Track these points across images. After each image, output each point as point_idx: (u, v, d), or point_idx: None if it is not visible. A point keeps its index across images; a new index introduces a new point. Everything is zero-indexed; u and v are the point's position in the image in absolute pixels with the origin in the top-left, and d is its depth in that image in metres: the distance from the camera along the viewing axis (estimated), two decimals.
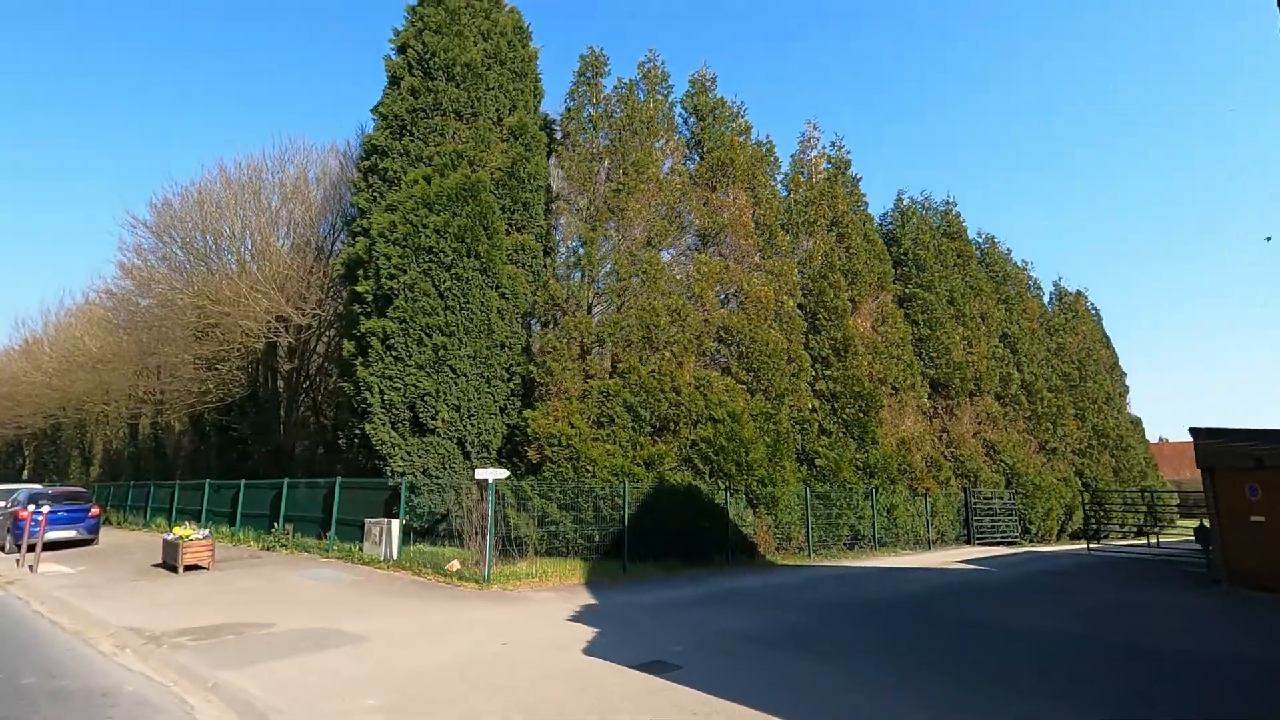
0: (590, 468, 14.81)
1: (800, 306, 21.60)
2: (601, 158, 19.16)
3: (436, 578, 12.64)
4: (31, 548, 14.48)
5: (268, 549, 17.04)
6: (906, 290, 26.60)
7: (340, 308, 23.29)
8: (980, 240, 32.54)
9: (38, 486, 22.69)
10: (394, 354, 15.90)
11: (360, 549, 14.92)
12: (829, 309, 21.76)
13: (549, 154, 19.82)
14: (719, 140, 21.27)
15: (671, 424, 16.16)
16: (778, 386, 18.73)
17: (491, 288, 16.89)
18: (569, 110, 20.17)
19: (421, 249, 16.30)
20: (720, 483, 15.85)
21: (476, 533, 13.21)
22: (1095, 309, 37.83)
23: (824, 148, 26.01)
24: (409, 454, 15.77)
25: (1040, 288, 34.76)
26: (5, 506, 19.50)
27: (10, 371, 50.36)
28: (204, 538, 13.63)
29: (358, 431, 16.27)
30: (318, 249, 24.34)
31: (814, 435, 19.79)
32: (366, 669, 6.66)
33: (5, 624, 9.04)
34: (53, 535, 18.04)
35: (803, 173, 24.92)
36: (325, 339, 25.82)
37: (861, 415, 20.63)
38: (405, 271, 16.17)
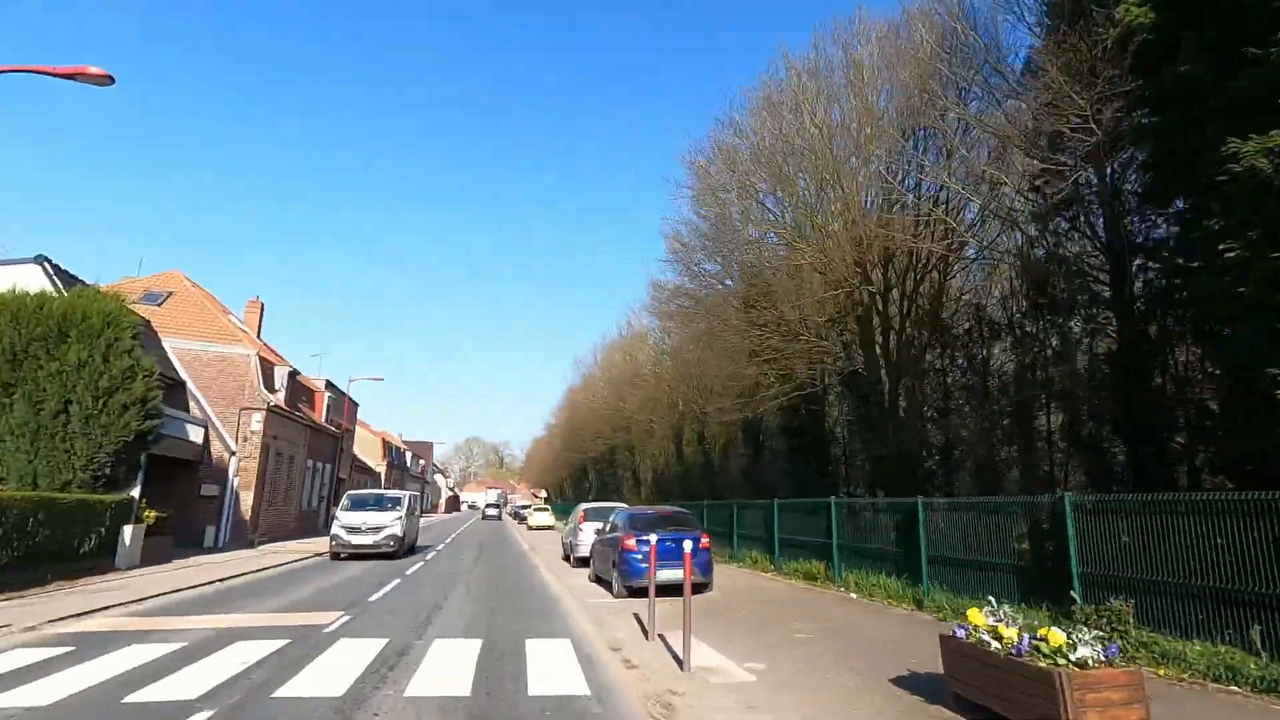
0: None
1: None
2: None
3: None
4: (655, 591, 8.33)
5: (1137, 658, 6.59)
6: None
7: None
8: None
9: (625, 506, 19.16)
10: None
11: None
12: None
13: None
14: None
15: None
16: None
17: None
18: None
19: None
20: None
21: None
22: None
23: None
24: None
25: None
26: (603, 530, 15.51)
27: (572, 402, 57.86)
28: (1114, 655, 4.87)
29: None
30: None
31: None
32: None
33: None
34: (664, 575, 12.72)
35: None
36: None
37: None
38: None
